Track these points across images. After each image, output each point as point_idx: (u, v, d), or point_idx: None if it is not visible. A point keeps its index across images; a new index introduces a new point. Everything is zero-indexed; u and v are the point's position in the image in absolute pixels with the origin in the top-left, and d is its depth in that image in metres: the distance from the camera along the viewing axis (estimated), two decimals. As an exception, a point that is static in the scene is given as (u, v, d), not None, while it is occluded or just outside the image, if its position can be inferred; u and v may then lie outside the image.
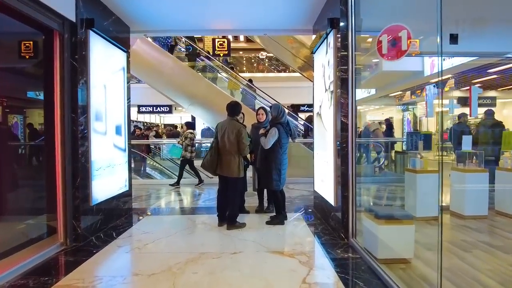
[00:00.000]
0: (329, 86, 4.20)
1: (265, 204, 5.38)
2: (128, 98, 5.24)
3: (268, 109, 4.71)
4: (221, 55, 8.11)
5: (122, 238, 4.07)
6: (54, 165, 3.69)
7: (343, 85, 3.81)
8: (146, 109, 18.70)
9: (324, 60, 4.48)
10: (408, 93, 13.67)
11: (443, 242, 4.05)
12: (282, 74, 20.11)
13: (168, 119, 25.58)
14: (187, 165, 8.06)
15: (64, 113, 3.70)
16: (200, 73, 10.31)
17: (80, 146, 3.82)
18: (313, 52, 5.26)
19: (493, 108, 7.00)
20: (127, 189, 5.20)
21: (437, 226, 4.80)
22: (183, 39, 10.90)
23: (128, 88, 5.20)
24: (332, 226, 4.23)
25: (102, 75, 4.36)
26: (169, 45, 10.72)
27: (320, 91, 4.73)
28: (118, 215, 4.86)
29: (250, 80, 11.91)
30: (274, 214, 4.75)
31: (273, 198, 4.60)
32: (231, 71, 10.96)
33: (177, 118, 24.70)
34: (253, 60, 22.71)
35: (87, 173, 3.96)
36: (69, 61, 3.75)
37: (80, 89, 3.82)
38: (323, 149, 4.51)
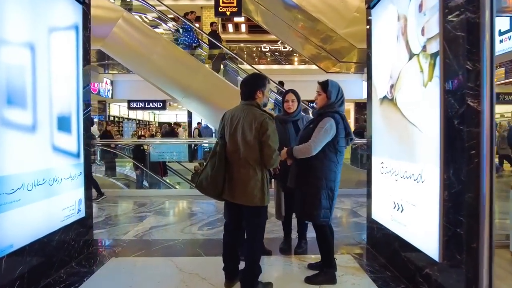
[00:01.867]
0: (424, 47, 2.38)
1: (293, 236, 3.56)
2: (87, 77, 3.40)
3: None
4: (228, 13, 6.24)
5: (52, 318, 2.24)
6: None
7: (471, 37, 1.99)
8: (137, 104, 16.81)
9: (403, 7, 2.67)
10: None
11: None
12: (287, 67, 18.27)
13: (163, 116, 23.75)
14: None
15: None
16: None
17: (-38, 152, 1.98)
18: (370, 7, 3.44)
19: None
20: (83, 215, 3.36)
21: None
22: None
23: (85, 57, 3.35)
24: (427, 292, 2.41)
25: (26, 29, 2.52)
26: (194, 47, 8.91)
27: (393, 61, 2.90)
28: (63, 261, 3.02)
29: (281, 83, 10.06)
30: (318, 262, 2.93)
31: (319, 237, 2.75)
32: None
33: (172, 116, 22.86)
34: (254, 54, 20.81)
35: (-16, 202, 2.12)
36: None
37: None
38: (407, 157, 2.66)
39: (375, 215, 3.36)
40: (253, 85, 2.48)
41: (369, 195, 3.52)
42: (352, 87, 15.53)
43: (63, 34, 3.02)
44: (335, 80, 2.82)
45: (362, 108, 16.32)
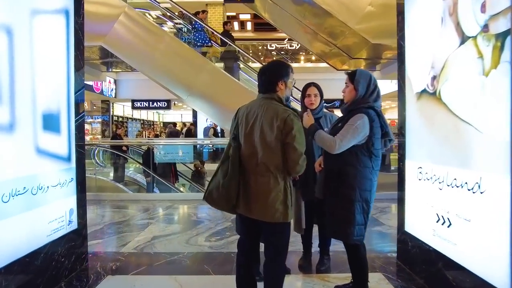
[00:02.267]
0: (485, 26, 1.93)
1: (313, 249, 3.13)
2: (79, 68, 2.99)
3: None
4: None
5: None
6: None
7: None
8: (141, 104, 16.43)
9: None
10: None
11: None
12: (294, 65, 17.78)
13: (168, 116, 23.40)
14: None
15: None
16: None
17: None
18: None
19: None
20: (75, 226, 2.95)
21: None
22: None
23: (78, 48, 2.94)
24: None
25: (1, 9, 2.11)
26: (205, 47, 8.50)
27: (436, 49, 2.46)
28: (51, 281, 2.60)
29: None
30: (346, 284, 2.51)
31: (352, 258, 2.33)
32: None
33: (177, 116, 22.50)
34: (260, 53, 20.39)
35: None
36: None
37: None
38: (457, 162, 2.21)
39: (409, 227, 2.91)
40: (275, 74, 2.05)
41: (400, 204, 3.08)
42: (362, 86, 15.08)
43: (50, 18, 2.61)
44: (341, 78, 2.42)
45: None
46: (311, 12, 9.60)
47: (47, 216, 2.55)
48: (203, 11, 9.38)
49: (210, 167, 10.41)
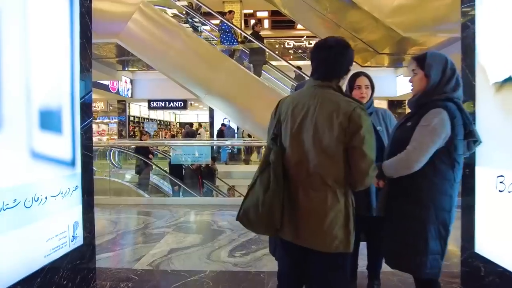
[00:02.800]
0: None
1: (359, 268, 2.61)
2: (85, 58, 2.56)
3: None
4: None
5: None
6: None
7: None
8: (157, 104, 16.17)
9: None
10: None
11: None
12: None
13: (184, 117, 23.19)
14: None
15: None
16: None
17: None
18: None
19: None
20: (81, 242, 2.52)
21: None
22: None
23: (84, 34, 2.51)
24: None
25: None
26: (232, 49, 8.23)
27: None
28: (50, 309, 2.19)
29: (299, 68, 9.07)
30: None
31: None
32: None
33: (193, 116, 22.24)
34: (277, 51, 19.81)
35: None
36: None
37: None
38: None
39: (483, 249, 2.37)
40: (346, 56, 1.53)
41: (467, 219, 2.53)
42: (385, 83, 14.45)
43: (50, -3, 2.19)
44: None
45: (396, 106, 15.11)
46: (335, 4, 9.08)
47: (45, 233, 2.12)
48: (230, 12, 9.05)
49: (224, 168, 10.05)
